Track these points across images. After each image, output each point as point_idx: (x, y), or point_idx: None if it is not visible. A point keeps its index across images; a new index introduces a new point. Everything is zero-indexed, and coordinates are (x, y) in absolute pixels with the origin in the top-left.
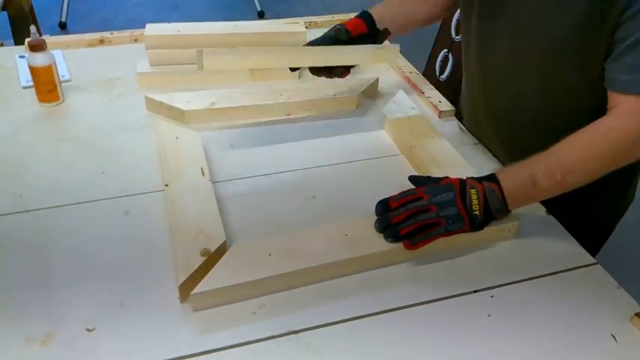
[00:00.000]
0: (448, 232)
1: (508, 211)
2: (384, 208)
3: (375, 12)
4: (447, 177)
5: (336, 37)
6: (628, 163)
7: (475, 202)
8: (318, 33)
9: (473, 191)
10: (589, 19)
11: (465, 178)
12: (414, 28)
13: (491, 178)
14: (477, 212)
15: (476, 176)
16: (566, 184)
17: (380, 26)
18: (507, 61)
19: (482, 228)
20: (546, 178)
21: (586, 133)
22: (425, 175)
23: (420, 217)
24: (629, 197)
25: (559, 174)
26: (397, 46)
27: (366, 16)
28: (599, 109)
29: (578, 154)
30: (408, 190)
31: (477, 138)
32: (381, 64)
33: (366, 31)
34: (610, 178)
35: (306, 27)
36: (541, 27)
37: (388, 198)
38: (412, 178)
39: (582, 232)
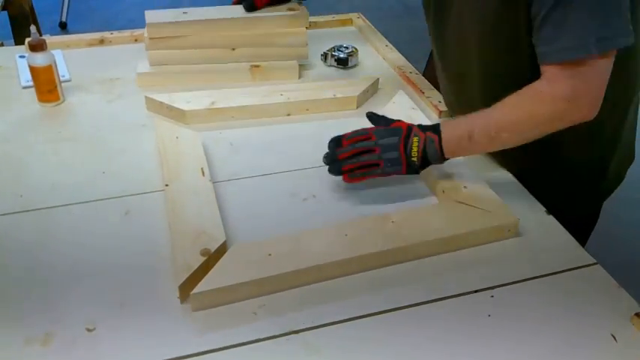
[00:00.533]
0: (385, 174)
1: (444, 159)
2: (336, 144)
3: None
4: (400, 120)
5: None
6: (565, 127)
7: (415, 149)
8: (318, 33)
9: (415, 139)
10: (506, 1)
11: (413, 125)
12: None
13: (435, 128)
14: (414, 159)
15: (423, 125)
16: (498, 141)
17: None
18: (456, 51)
19: (418, 172)
20: (482, 135)
21: (520, 95)
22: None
23: (362, 158)
24: (610, 181)
25: (493, 131)
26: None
27: None
28: None
29: (512, 114)
30: (361, 129)
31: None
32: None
33: None
34: (582, 163)
35: (306, 27)
36: (475, 15)
37: (342, 135)
38: (369, 115)
39: (563, 216)
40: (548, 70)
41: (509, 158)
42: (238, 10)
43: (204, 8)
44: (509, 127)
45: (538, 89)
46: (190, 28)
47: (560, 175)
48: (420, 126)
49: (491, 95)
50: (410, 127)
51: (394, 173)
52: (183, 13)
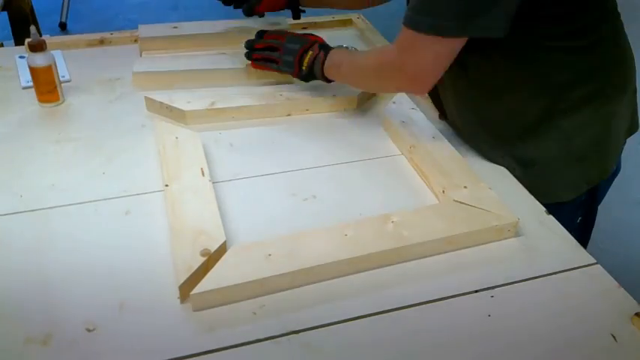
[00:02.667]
0: (280, 71)
1: (325, 78)
2: (259, 35)
3: None
4: (312, 35)
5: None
6: (390, 91)
7: (306, 61)
8: (318, 33)
9: (310, 53)
10: None
11: (317, 41)
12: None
13: (328, 50)
14: (304, 67)
15: (326, 45)
16: (347, 77)
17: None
18: None
19: (306, 80)
20: (346, 68)
21: (373, 50)
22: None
23: (266, 52)
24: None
25: (345, 67)
26: (288, 26)
27: None
28: (504, 82)
29: (360, 61)
30: (282, 30)
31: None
32: None
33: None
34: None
35: (306, 27)
36: None
37: (266, 30)
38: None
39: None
40: (399, 33)
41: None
42: (228, 25)
43: (196, 23)
44: (354, 72)
45: (383, 50)
46: (180, 43)
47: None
48: (321, 45)
49: (464, 84)
50: (313, 42)
51: (288, 73)
52: (174, 27)
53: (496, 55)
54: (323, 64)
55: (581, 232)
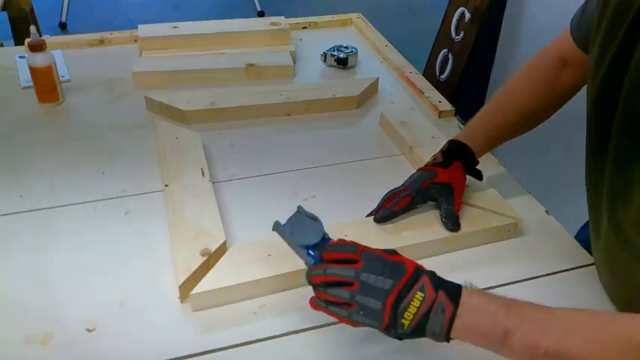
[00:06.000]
0: (351, 321)
1: (448, 339)
2: (320, 249)
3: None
4: (399, 255)
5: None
6: None
7: (412, 310)
8: (318, 33)
9: (419, 295)
10: None
11: (423, 269)
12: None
13: (454, 293)
14: (405, 321)
15: (437, 275)
16: None
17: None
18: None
19: (400, 339)
20: (525, 345)
21: (617, 324)
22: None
23: (330, 291)
24: None
25: (543, 350)
26: (287, 26)
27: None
28: None
29: (585, 346)
30: (351, 245)
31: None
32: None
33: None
34: None
35: (306, 27)
36: None
37: (326, 240)
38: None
39: None
40: None
41: None
42: (225, 25)
43: (196, 22)
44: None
45: None
46: (180, 43)
47: None
48: (432, 276)
49: None
50: (417, 272)
51: (364, 326)
52: (174, 27)
53: None
54: (451, 320)
55: None
